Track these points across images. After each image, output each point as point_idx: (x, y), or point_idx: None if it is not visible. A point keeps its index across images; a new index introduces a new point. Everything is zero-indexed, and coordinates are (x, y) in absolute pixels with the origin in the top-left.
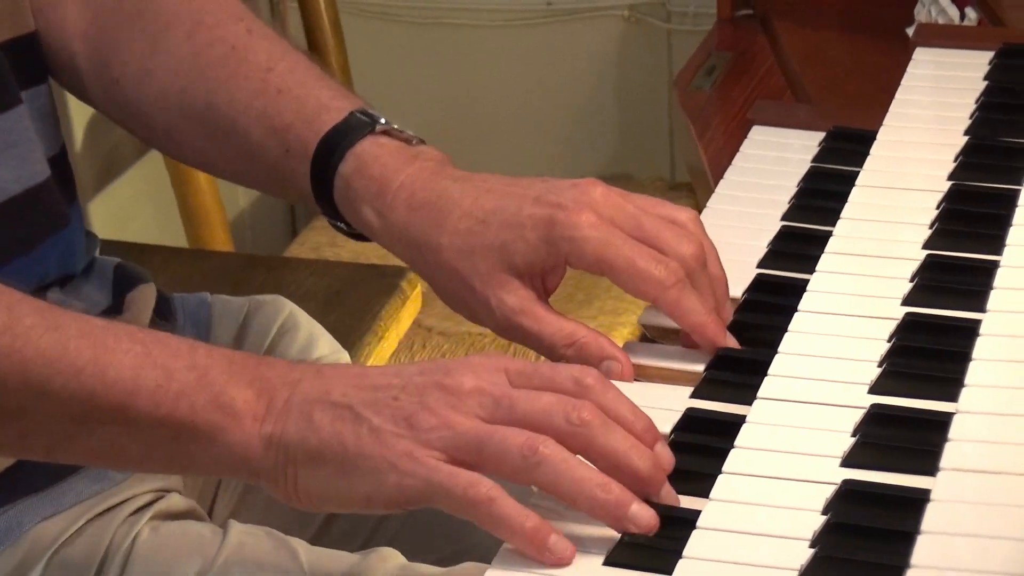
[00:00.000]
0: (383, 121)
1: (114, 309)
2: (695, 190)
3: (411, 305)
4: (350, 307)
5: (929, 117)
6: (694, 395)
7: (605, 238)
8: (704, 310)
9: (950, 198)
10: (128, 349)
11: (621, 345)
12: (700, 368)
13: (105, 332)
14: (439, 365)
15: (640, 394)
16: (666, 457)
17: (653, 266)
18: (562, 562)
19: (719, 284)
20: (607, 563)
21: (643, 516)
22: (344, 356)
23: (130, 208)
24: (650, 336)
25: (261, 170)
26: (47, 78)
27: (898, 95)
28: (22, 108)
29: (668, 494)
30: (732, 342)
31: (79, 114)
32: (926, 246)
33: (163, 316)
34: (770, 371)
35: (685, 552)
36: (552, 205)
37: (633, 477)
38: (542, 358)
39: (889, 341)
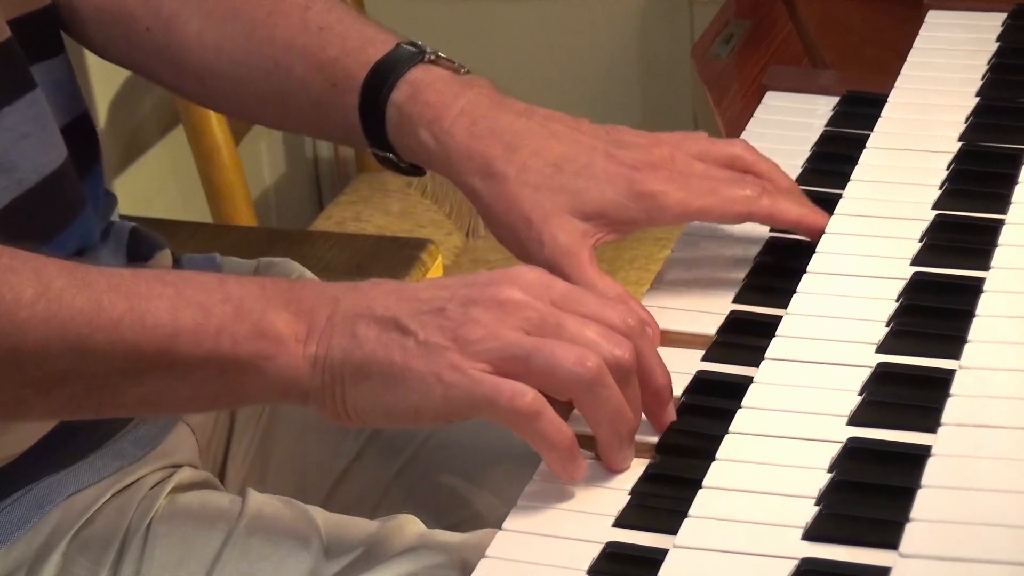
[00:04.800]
0: (429, 50)
1: None
2: None
3: (432, 277)
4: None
5: (941, 79)
6: (705, 358)
7: (683, 184)
8: (798, 205)
9: (960, 159)
10: (160, 293)
11: None
12: (711, 331)
13: (136, 280)
14: (486, 277)
15: None
16: (669, 418)
17: (736, 188)
18: (575, 480)
19: (795, 193)
20: (616, 524)
21: (630, 458)
22: None
23: (155, 186)
24: None
25: (301, 107)
26: (63, 48)
27: (910, 57)
28: (36, 92)
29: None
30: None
31: (103, 93)
32: (935, 206)
33: None
34: (778, 332)
35: (691, 512)
36: (626, 165)
37: (626, 430)
38: None
39: (897, 301)
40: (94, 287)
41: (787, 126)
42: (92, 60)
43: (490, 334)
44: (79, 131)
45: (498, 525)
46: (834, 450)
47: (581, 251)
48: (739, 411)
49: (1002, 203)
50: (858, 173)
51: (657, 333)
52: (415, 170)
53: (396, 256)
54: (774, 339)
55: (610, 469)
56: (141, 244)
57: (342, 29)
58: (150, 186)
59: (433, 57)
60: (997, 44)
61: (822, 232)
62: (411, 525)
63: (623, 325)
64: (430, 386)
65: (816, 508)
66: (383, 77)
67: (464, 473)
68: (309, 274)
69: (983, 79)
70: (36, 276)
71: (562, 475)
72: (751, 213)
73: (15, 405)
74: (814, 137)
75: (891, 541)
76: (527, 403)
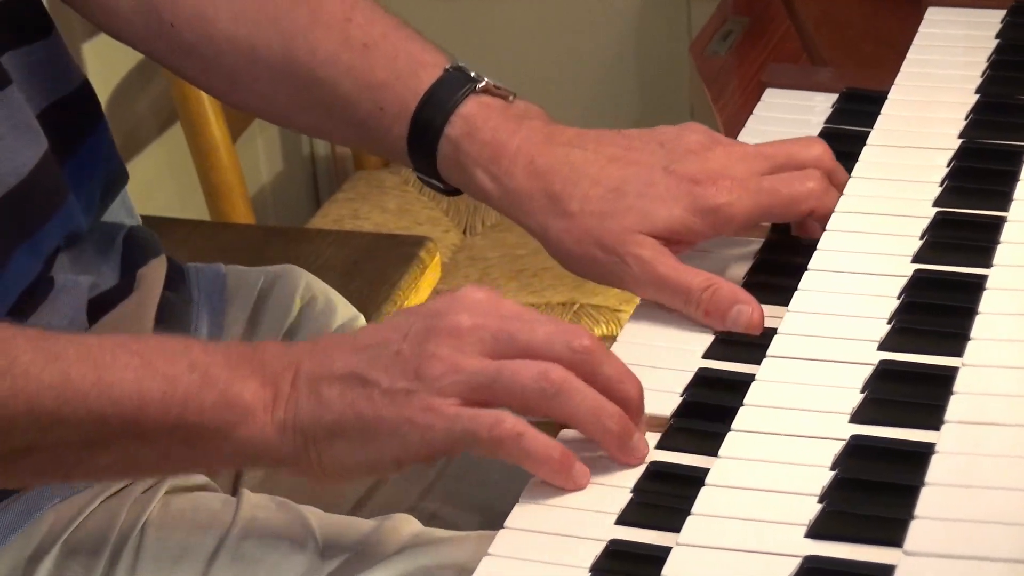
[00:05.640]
0: (474, 75)
1: (124, 285)
2: None
3: (430, 274)
4: (369, 277)
5: (941, 76)
6: (706, 355)
7: (745, 191)
8: None
9: (960, 156)
10: (127, 363)
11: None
12: (710, 332)
13: (101, 350)
14: (432, 308)
15: (651, 355)
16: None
17: (798, 185)
18: (581, 487)
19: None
20: (619, 522)
21: (641, 448)
22: (361, 320)
23: (152, 183)
24: None
25: (342, 123)
26: (50, 32)
27: (910, 54)
28: (9, 90)
29: (642, 428)
30: None
31: (99, 90)
32: (936, 203)
33: (174, 289)
34: (780, 329)
35: (694, 510)
36: (687, 179)
37: (624, 405)
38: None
39: (899, 298)
40: (62, 359)
41: (787, 123)
42: (89, 58)
43: (451, 367)
44: (67, 109)
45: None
46: (837, 448)
47: (667, 256)
48: (741, 408)
49: (1003, 200)
50: (858, 170)
51: (759, 312)
52: (457, 191)
53: (393, 253)
54: (776, 336)
55: (627, 463)
56: (135, 250)
57: (388, 47)
58: (147, 183)
59: (484, 86)
60: (996, 41)
61: None
62: (407, 524)
63: (566, 350)
64: (406, 433)
65: (819, 506)
66: (435, 109)
67: (496, 481)
68: (317, 281)
69: (983, 76)
70: (3, 350)
71: (564, 486)
72: (813, 210)
73: None
74: (813, 134)
75: (895, 539)
76: (508, 429)
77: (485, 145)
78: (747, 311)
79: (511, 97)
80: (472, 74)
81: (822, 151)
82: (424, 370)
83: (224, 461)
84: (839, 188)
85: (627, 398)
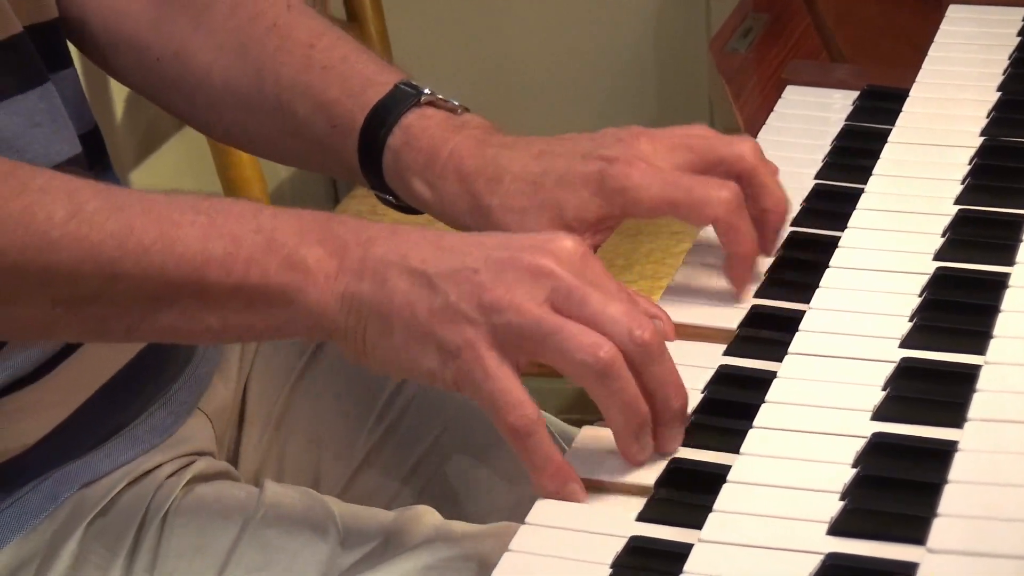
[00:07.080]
0: (427, 92)
1: None
2: None
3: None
4: None
5: (962, 74)
6: (727, 352)
7: (658, 179)
8: (753, 243)
9: (982, 154)
10: (193, 221)
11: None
12: (734, 326)
13: (169, 207)
14: (521, 241)
15: (674, 351)
16: (674, 442)
17: (711, 191)
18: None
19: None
20: (640, 519)
21: (643, 454)
22: None
23: (171, 178)
24: None
25: (306, 146)
26: (71, 63)
27: (931, 52)
28: (49, 87)
29: (674, 439)
30: (747, 295)
31: (119, 86)
32: (958, 201)
33: None
34: (801, 327)
35: (715, 506)
36: (601, 159)
37: (663, 412)
38: None
39: (920, 296)
40: (127, 211)
41: (807, 120)
42: None
43: (514, 306)
44: (87, 144)
45: (516, 519)
46: (858, 445)
47: None
48: (763, 405)
49: None
50: (880, 168)
51: (670, 327)
52: (415, 211)
53: None
54: (797, 334)
55: (626, 460)
56: None
57: (345, 69)
58: (167, 179)
59: (429, 99)
60: (1018, 39)
61: (737, 290)
62: (428, 516)
63: (627, 336)
64: (447, 357)
65: (841, 503)
66: (380, 121)
67: (482, 467)
68: None
69: (1004, 74)
70: (69, 198)
71: (550, 497)
72: (716, 219)
73: (47, 324)
74: (834, 131)
75: (918, 536)
76: (523, 422)
77: (420, 153)
78: (659, 327)
79: (459, 111)
80: (423, 90)
81: (748, 148)
82: (489, 299)
83: (284, 328)
84: (762, 187)
85: (666, 406)
